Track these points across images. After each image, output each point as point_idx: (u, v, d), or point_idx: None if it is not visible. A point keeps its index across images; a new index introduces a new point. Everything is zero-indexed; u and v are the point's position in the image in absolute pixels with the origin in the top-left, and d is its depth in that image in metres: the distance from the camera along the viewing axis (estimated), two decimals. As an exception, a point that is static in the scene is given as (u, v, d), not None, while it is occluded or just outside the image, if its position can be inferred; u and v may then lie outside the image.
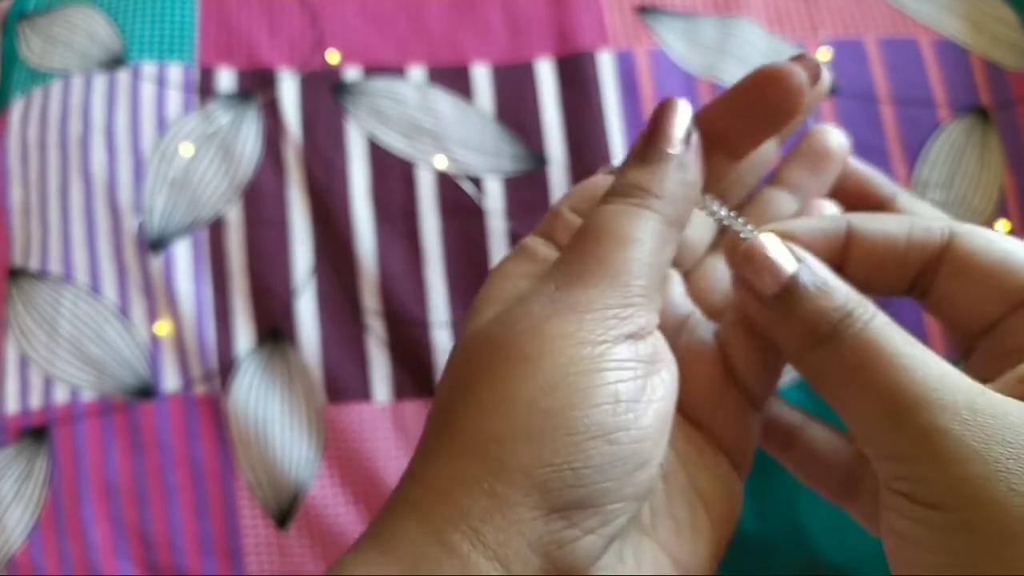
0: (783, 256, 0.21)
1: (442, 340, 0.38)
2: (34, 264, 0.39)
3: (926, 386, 0.19)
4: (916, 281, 0.23)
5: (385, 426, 0.37)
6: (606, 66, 0.41)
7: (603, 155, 0.40)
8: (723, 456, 0.24)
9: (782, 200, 0.28)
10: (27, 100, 0.42)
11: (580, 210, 0.24)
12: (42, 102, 0.42)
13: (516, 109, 0.41)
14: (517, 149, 0.40)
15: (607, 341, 0.20)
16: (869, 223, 0.23)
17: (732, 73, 0.41)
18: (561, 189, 0.39)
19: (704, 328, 0.25)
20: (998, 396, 0.19)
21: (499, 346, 0.20)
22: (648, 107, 0.40)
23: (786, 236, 0.23)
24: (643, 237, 0.21)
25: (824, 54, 0.41)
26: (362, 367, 0.38)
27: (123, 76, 0.42)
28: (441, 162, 0.40)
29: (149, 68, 0.42)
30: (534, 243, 0.24)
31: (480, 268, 0.39)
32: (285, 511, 0.37)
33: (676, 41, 0.42)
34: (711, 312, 0.27)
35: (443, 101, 0.41)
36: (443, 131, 0.40)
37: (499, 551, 0.18)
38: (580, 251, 0.21)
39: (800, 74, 0.23)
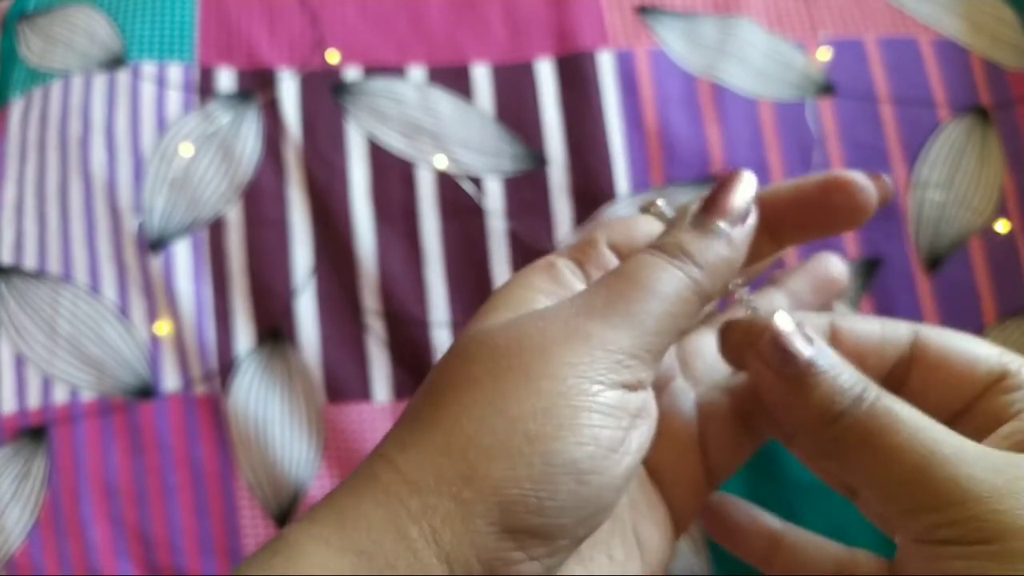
0: (799, 339, 0.22)
1: (442, 340, 0.38)
2: (30, 263, 0.39)
3: (946, 442, 0.21)
4: (889, 376, 0.25)
5: (385, 426, 0.37)
6: (606, 66, 0.41)
7: (603, 155, 0.40)
8: (669, 515, 0.25)
9: (779, 301, 0.29)
10: (27, 100, 0.42)
11: (616, 246, 0.25)
12: (42, 102, 0.42)
13: (516, 109, 0.41)
14: (517, 149, 0.40)
15: (605, 384, 0.20)
16: (848, 321, 0.25)
17: (732, 73, 0.41)
18: (561, 189, 0.39)
19: (686, 396, 0.27)
20: (996, 450, 0.21)
21: (504, 354, 0.21)
22: (648, 107, 0.40)
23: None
24: (672, 298, 0.22)
25: (824, 54, 0.41)
26: (362, 367, 0.38)
27: (123, 76, 0.42)
28: (441, 162, 0.40)
29: (149, 68, 0.42)
30: (562, 264, 0.24)
31: (480, 268, 0.39)
32: (285, 511, 0.37)
33: (676, 41, 0.42)
34: (693, 378, 0.27)
35: (443, 101, 0.41)
36: (443, 131, 0.40)
37: (451, 554, 0.19)
38: (610, 290, 0.22)
39: (871, 192, 0.24)
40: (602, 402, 0.20)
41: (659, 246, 0.23)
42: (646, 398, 0.22)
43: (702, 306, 0.23)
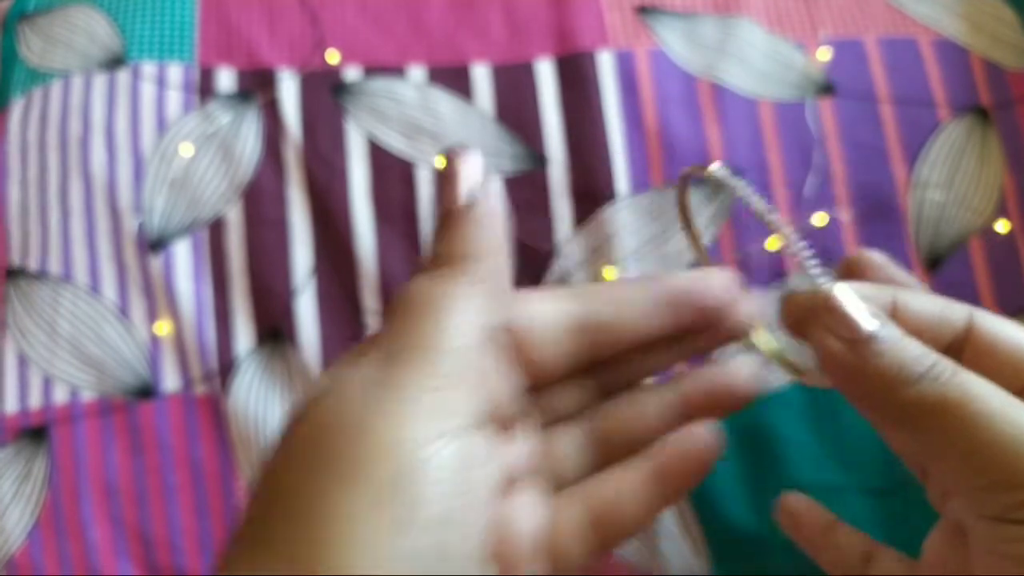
0: (862, 311, 0.22)
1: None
2: (33, 264, 0.39)
3: None
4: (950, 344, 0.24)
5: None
6: (606, 66, 0.41)
7: (603, 155, 0.40)
8: None
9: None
10: (27, 100, 0.42)
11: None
12: (42, 102, 0.42)
13: (516, 109, 0.41)
14: (517, 149, 0.40)
15: (432, 443, 0.19)
16: (910, 297, 0.24)
17: (732, 73, 0.41)
18: (561, 189, 0.39)
19: (541, 502, 0.25)
20: None
21: (322, 444, 0.19)
22: (648, 107, 0.40)
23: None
24: (451, 304, 0.21)
25: (824, 54, 0.41)
26: (362, 367, 0.38)
27: (123, 76, 0.42)
28: (441, 163, 0.40)
29: (149, 68, 0.42)
30: None
31: (480, 268, 0.39)
32: (285, 511, 0.37)
33: (676, 41, 0.42)
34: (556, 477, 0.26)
35: (443, 101, 0.41)
36: (443, 131, 0.40)
37: None
38: (391, 328, 0.21)
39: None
40: (438, 469, 0.19)
41: (423, 265, 0.22)
42: (482, 422, 0.21)
43: (497, 292, 0.22)
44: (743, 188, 0.24)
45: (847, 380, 0.22)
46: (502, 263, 0.22)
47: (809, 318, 0.23)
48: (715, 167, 0.24)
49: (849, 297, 0.22)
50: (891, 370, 0.21)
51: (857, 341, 0.21)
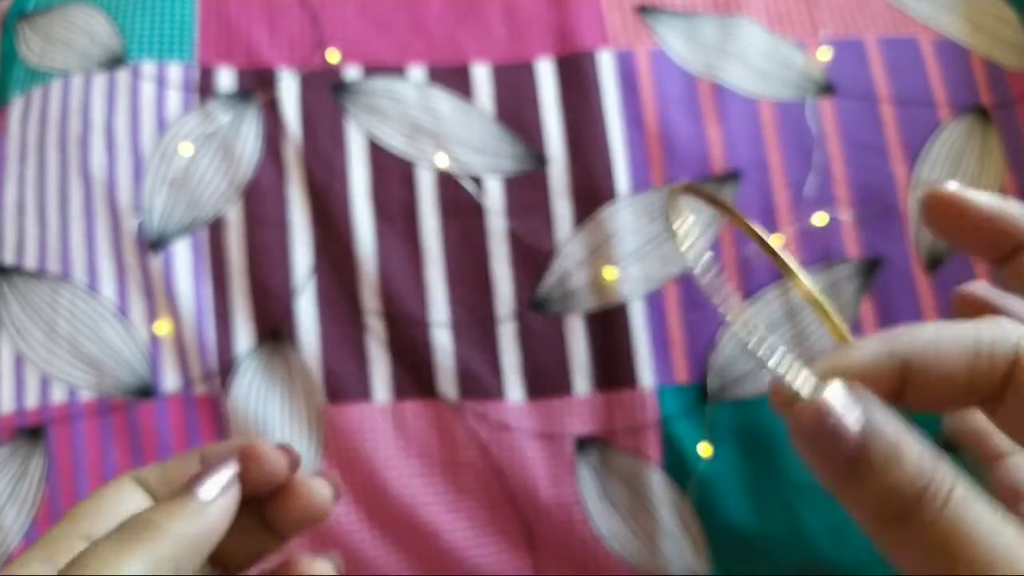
0: (851, 417, 0.18)
1: (442, 340, 0.38)
2: (30, 263, 0.39)
3: (1019, 563, 0.17)
4: (981, 402, 0.20)
5: (385, 426, 0.37)
6: (606, 66, 0.41)
7: (603, 155, 0.40)
8: None
9: None
10: (27, 99, 0.42)
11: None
12: (42, 102, 0.42)
13: (516, 109, 0.41)
14: (517, 149, 0.40)
15: None
16: (926, 355, 0.20)
17: (732, 73, 0.41)
18: (561, 189, 0.39)
19: None
20: None
21: None
22: (648, 107, 0.40)
23: (841, 372, 0.19)
24: (133, 566, 0.21)
25: (824, 54, 0.41)
26: (362, 367, 0.38)
27: (123, 76, 0.42)
28: (442, 161, 0.40)
29: (149, 68, 0.42)
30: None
31: (480, 268, 0.39)
32: (285, 511, 0.36)
33: (676, 41, 0.42)
34: None
35: (443, 101, 0.41)
36: (443, 131, 0.40)
37: None
38: None
39: (279, 463, 0.24)
40: None
41: (122, 524, 0.23)
42: None
43: (179, 570, 0.22)
44: (710, 281, 0.18)
45: (839, 499, 0.19)
46: (190, 556, 0.23)
47: (792, 423, 0.19)
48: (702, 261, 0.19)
49: (839, 399, 0.18)
50: (880, 498, 0.18)
51: (840, 462, 0.18)
